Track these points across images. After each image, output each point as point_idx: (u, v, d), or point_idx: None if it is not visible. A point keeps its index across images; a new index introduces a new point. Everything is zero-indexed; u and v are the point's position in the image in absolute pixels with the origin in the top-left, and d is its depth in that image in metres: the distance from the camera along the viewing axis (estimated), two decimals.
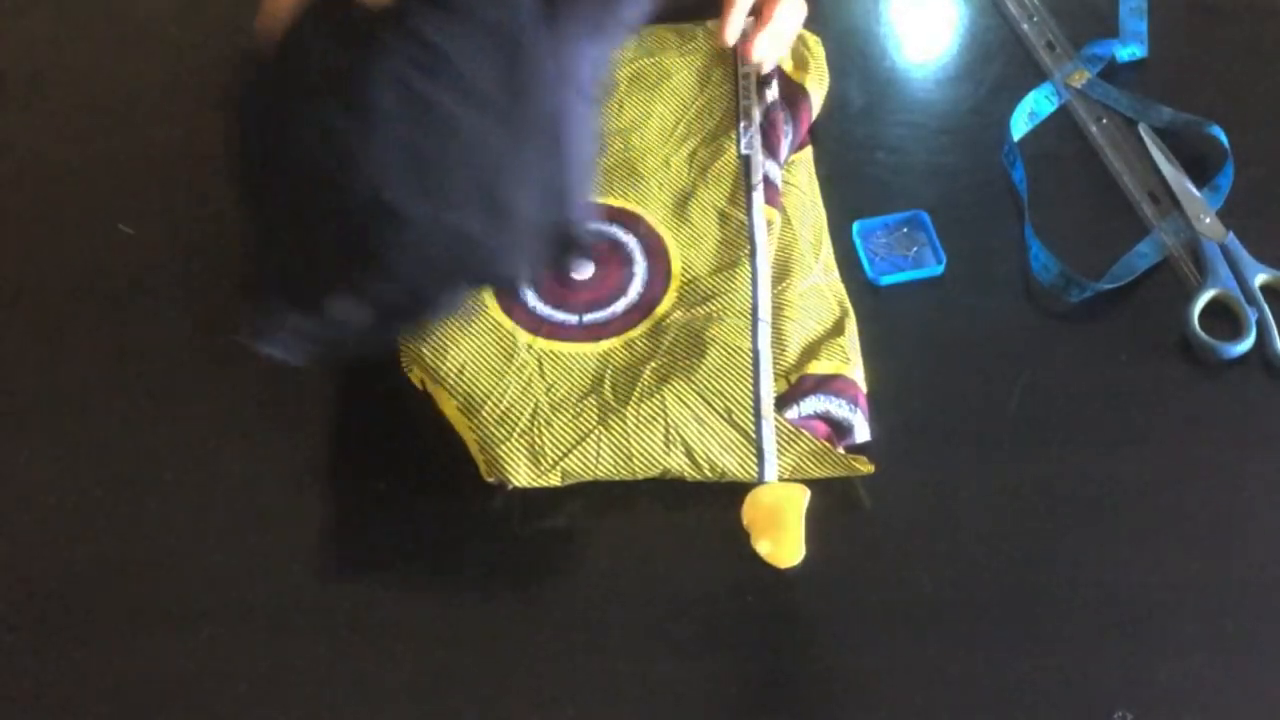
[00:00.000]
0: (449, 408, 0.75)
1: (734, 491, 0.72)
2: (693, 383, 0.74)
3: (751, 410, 0.73)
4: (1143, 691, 0.66)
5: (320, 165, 0.65)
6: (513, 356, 0.76)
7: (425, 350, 0.76)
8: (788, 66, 0.89)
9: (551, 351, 0.76)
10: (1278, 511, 0.72)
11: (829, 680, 0.68)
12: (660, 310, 0.78)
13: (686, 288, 0.79)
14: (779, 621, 0.70)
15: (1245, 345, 0.77)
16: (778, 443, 0.72)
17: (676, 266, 0.80)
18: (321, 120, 0.65)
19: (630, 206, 0.83)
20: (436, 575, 0.72)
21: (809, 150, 0.87)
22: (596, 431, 0.72)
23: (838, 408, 0.74)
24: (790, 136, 0.86)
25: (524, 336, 0.77)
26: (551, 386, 0.74)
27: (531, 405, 0.73)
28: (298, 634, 0.70)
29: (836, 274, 0.81)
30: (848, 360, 0.76)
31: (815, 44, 0.91)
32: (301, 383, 0.78)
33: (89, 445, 0.75)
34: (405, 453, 0.76)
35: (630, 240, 0.81)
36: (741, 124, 0.86)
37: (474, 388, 0.74)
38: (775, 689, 0.67)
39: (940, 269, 0.81)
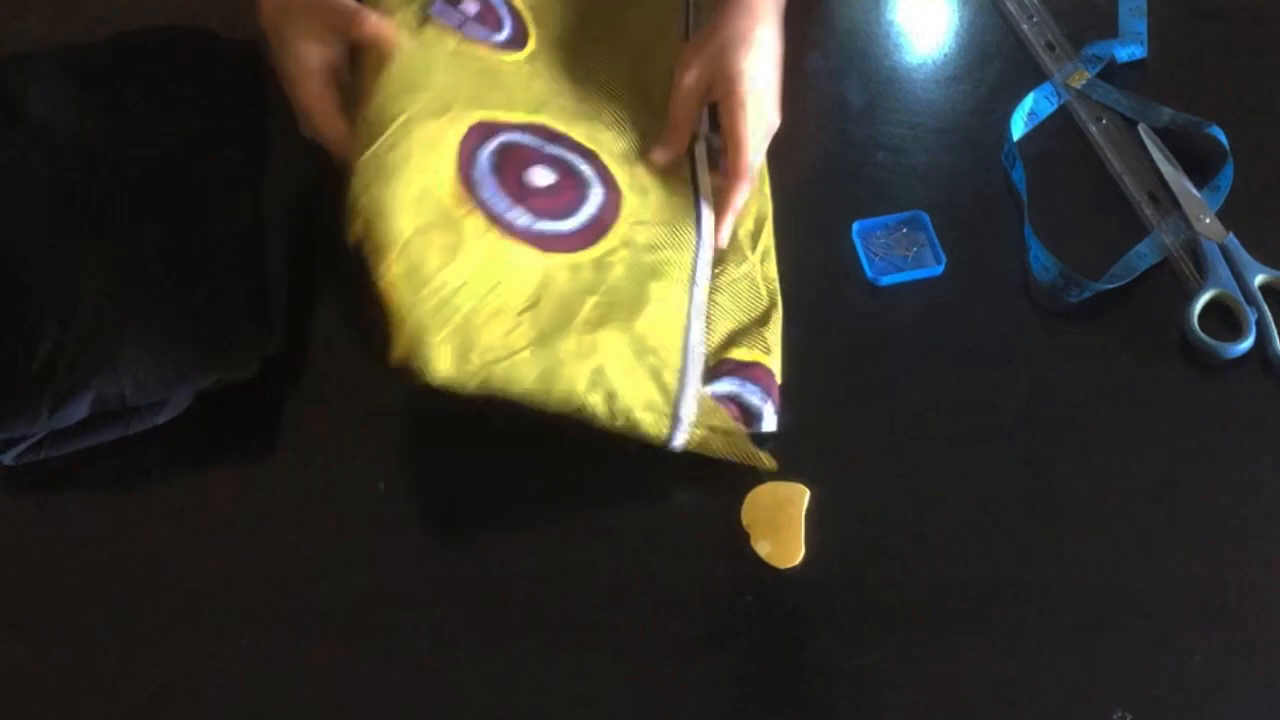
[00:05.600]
0: (390, 274, 0.69)
1: (734, 492, 0.72)
2: (629, 331, 0.73)
3: (677, 373, 0.73)
4: (1143, 691, 0.66)
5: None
6: (462, 242, 0.72)
7: (375, 205, 0.70)
8: None
9: (500, 247, 0.73)
10: (1278, 512, 0.72)
11: (829, 680, 0.68)
12: (608, 242, 0.77)
13: (636, 227, 0.78)
14: (779, 621, 0.70)
15: (1245, 345, 0.77)
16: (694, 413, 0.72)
17: (628, 204, 0.79)
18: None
19: (588, 144, 0.81)
20: (435, 575, 0.72)
21: None
22: (528, 351, 0.70)
23: (749, 394, 0.74)
24: None
25: (477, 222, 0.73)
26: (493, 288, 0.71)
27: (471, 303, 0.70)
28: (298, 634, 0.70)
29: (773, 262, 0.81)
30: (768, 351, 0.76)
31: None
32: (300, 384, 0.79)
33: (89, 446, 0.75)
34: (403, 453, 0.76)
35: (587, 169, 0.79)
36: None
37: (422, 263, 0.69)
38: (775, 689, 0.67)
39: (940, 269, 0.81)
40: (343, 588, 0.71)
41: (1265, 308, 0.78)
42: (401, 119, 0.73)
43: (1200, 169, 0.85)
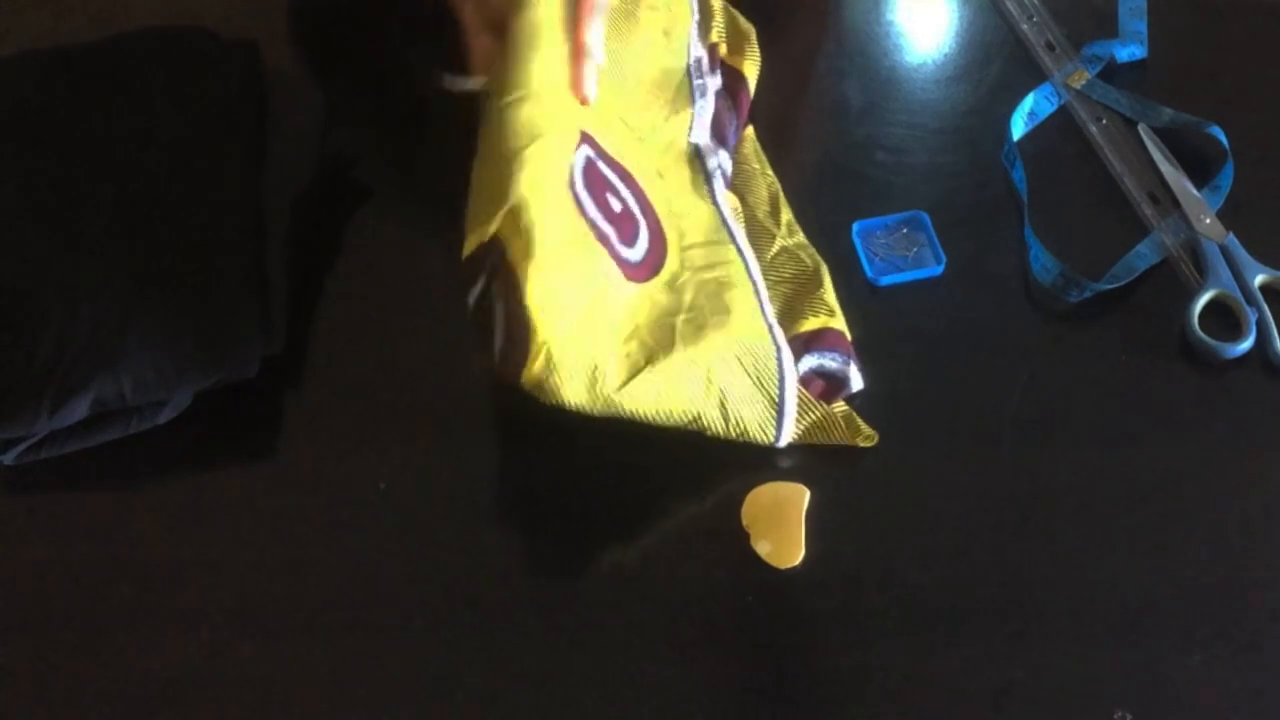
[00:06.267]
0: (532, 293, 0.66)
1: (734, 491, 0.72)
2: (727, 334, 0.72)
3: (775, 373, 0.72)
4: (1143, 691, 0.66)
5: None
6: (587, 261, 0.70)
7: (529, 215, 0.66)
8: (723, 50, 0.88)
9: (608, 268, 0.71)
10: (1278, 511, 0.72)
11: (829, 680, 0.68)
12: (669, 269, 0.76)
13: (685, 252, 0.77)
14: (779, 621, 0.70)
15: (1245, 345, 0.77)
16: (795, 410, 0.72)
17: (670, 231, 0.78)
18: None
19: (620, 160, 0.78)
20: (435, 575, 0.72)
21: (750, 129, 0.87)
22: (645, 371, 0.69)
23: (831, 361, 0.74)
24: (734, 125, 0.86)
25: (592, 241, 0.71)
26: (606, 312, 0.70)
27: (596, 329, 0.69)
28: (298, 634, 0.70)
29: (801, 234, 0.82)
30: (833, 312, 0.77)
31: (748, 27, 0.90)
32: (301, 384, 0.79)
33: (89, 446, 0.75)
34: (403, 453, 0.76)
35: (629, 196, 0.76)
36: (697, 109, 0.84)
37: (558, 283, 0.67)
38: (775, 689, 0.67)
39: (940, 269, 0.81)
40: (342, 587, 0.71)
41: (1265, 308, 0.78)
42: (553, 118, 0.69)
43: (1200, 169, 0.85)
